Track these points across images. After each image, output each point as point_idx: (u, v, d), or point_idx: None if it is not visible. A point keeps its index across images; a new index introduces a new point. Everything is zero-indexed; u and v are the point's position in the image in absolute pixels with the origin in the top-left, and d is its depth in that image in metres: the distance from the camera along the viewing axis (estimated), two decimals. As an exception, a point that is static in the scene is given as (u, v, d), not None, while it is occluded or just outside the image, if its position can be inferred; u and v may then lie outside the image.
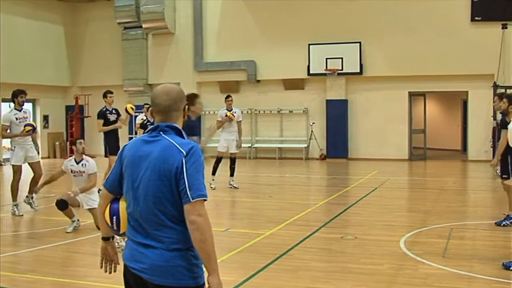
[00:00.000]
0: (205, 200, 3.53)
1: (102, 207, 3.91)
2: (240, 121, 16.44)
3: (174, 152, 3.59)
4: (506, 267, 7.82)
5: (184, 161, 3.55)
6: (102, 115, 14.57)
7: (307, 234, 10.13)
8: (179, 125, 3.78)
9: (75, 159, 10.70)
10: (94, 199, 10.47)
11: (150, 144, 3.69)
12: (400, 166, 23.36)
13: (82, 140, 10.83)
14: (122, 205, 3.81)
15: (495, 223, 10.78)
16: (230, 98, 16.43)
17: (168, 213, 3.57)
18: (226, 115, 16.00)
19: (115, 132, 14.80)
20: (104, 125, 14.53)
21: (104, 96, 14.78)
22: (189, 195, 3.49)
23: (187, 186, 3.50)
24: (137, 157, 3.70)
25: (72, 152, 11.77)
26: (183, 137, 3.72)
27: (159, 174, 3.57)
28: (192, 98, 10.08)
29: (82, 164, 10.57)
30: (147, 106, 16.89)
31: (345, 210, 12.95)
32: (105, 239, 4.06)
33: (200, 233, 3.48)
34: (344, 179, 19.90)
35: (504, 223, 10.55)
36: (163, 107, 3.77)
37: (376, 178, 18.86)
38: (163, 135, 3.70)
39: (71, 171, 10.64)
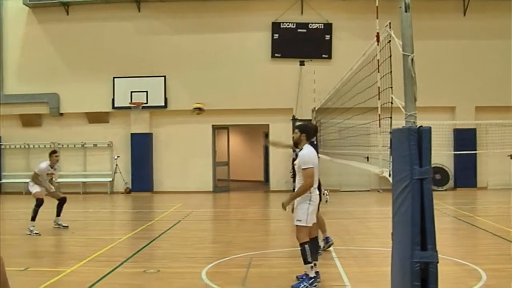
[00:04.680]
0: None
1: None
2: None
3: None
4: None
5: None
6: None
7: (109, 269, 10.05)
8: None
9: None
10: None
11: None
12: (204, 199, 23.78)
13: None
14: None
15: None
16: (56, 154, 15.72)
17: None
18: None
19: None
20: None
21: None
22: None
23: None
24: None
25: None
26: None
27: None
28: None
29: None
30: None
31: (148, 243, 12.98)
32: None
33: None
34: (148, 213, 19.94)
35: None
36: None
37: (180, 211, 19.09)
38: None
39: None
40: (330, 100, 18.46)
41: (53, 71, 26.27)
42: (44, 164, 15.36)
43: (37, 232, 14.36)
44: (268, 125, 26.24)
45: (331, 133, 18.18)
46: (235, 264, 10.59)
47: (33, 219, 14.56)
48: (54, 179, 15.91)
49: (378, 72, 8.61)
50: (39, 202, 14.82)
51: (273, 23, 25.57)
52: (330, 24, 25.42)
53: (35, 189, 15.15)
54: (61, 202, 15.61)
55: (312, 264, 8.56)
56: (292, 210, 8.85)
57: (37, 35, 26.61)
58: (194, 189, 25.55)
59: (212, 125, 26.43)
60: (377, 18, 8.62)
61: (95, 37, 26.16)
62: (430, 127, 5.64)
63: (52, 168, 15.47)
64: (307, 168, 8.43)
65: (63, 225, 15.44)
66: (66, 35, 26.38)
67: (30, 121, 26.83)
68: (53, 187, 15.69)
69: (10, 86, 26.88)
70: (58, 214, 15.53)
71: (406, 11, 5.89)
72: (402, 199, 5.72)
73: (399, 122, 6.36)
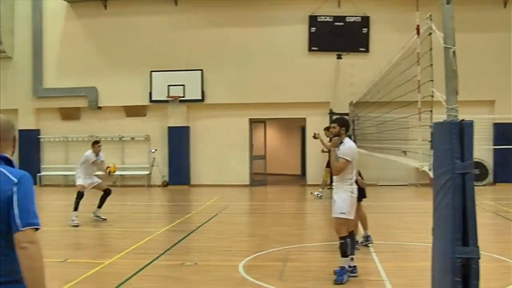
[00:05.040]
0: (37, 228, 3.47)
1: None
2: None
3: (4, 181, 3.47)
4: (339, 282, 8.47)
5: (15, 189, 3.44)
6: None
7: (146, 262, 10.13)
8: (8, 154, 3.70)
9: None
10: None
11: None
12: (241, 192, 23.81)
13: None
14: None
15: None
16: (99, 144, 16.11)
17: None
18: None
19: None
20: None
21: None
22: (18, 223, 3.38)
23: (16, 214, 3.39)
24: None
25: None
26: (12, 166, 3.64)
27: None
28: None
29: None
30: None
31: (185, 236, 13.04)
32: None
33: (30, 260, 3.37)
34: (185, 206, 20.04)
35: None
36: None
37: (217, 204, 19.13)
38: None
39: None
40: (368, 94, 18.33)
41: (92, 65, 26.52)
42: (88, 151, 15.88)
43: (77, 223, 14.52)
44: (305, 118, 26.16)
45: (369, 127, 18.07)
46: (272, 258, 10.60)
47: (75, 209, 14.79)
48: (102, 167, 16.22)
49: (418, 65, 8.53)
50: (80, 195, 15.04)
51: (310, 16, 25.44)
52: (368, 17, 25.20)
53: (79, 181, 15.50)
54: (106, 194, 15.87)
55: (350, 258, 8.58)
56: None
57: (76, 29, 26.90)
58: (230, 183, 25.56)
59: (249, 119, 26.43)
60: (417, 10, 8.53)
61: (132, 31, 26.32)
62: (473, 121, 5.56)
63: (96, 156, 15.77)
64: (343, 158, 8.57)
65: (101, 217, 15.59)
66: (104, 29, 26.61)
67: (68, 114, 27.16)
68: (99, 180, 16.09)
69: (49, 80, 27.23)
70: (100, 206, 15.75)
71: (447, 3, 5.81)
72: (443, 194, 5.64)
73: (439, 116, 6.30)
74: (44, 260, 3.46)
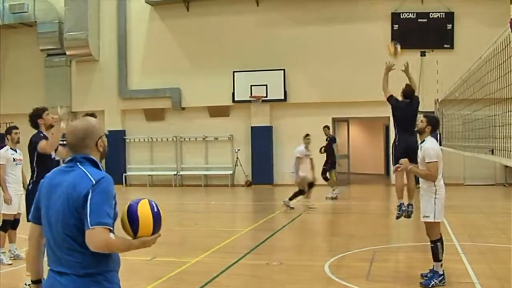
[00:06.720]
0: (110, 229, 3.48)
1: (34, 245, 3.87)
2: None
3: (84, 181, 3.58)
4: (424, 285, 8.20)
5: (91, 190, 3.54)
6: None
7: (233, 261, 10.15)
8: (94, 156, 3.78)
9: (11, 148, 10.03)
10: None
11: (65, 174, 3.69)
12: (325, 191, 23.55)
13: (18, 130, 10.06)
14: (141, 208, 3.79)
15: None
16: (308, 137, 18.26)
17: (77, 239, 3.54)
18: None
19: None
20: None
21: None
22: (88, 221, 3.47)
23: (87, 213, 3.48)
24: (52, 186, 3.69)
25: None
26: (98, 168, 3.73)
27: (68, 201, 3.55)
28: None
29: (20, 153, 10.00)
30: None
31: (271, 235, 13.01)
32: (35, 282, 3.91)
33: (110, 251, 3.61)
34: (269, 205, 20.03)
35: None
36: (70, 146, 3.80)
37: (302, 204, 19.01)
38: (78, 165, 3.70)
39: (13, 160, 9.99)
40: (455, 91, 17.84)
41: (175, 66, 26.91)
42: (301, 147, 17.79)
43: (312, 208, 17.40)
44: (388, 117, 25.63)
45: (456, 125, 17.60)
46: (359, 258, 10.44)
47: (291, 198, 17.51)
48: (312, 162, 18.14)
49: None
50: (310, 185, 17.77)
51: (392, 13, 25.01)
52: (452, 13, 24.56)
53: (300, 174, 17.38)
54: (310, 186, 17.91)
55: (442, 262, 8.32)
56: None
57: (159, 31, 27.36)
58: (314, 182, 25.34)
59: (332, 118, 26.18)
60: (510, 3, 8.23)
61: (214, 32, 26.55)
62: None
63: (306, 149, 17.76)
64: (431, 162, 8.23)
65: (291, 206, 17.50)
66: (187, 30, 26.93)
67: (153, 115, 27.62)
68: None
69: (134, 81, 27.82)
70: (291, 198, 17.71)
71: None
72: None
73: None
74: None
